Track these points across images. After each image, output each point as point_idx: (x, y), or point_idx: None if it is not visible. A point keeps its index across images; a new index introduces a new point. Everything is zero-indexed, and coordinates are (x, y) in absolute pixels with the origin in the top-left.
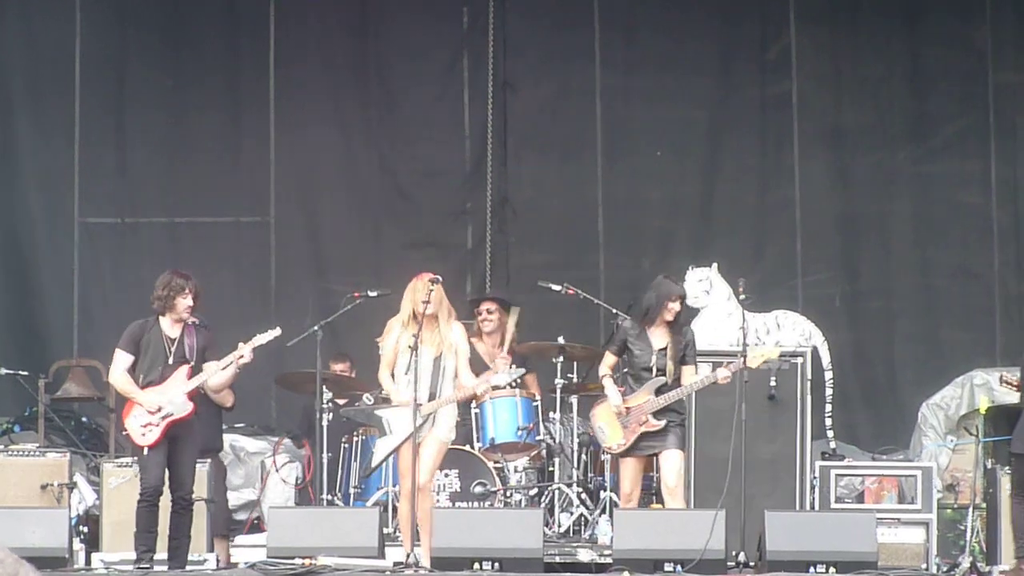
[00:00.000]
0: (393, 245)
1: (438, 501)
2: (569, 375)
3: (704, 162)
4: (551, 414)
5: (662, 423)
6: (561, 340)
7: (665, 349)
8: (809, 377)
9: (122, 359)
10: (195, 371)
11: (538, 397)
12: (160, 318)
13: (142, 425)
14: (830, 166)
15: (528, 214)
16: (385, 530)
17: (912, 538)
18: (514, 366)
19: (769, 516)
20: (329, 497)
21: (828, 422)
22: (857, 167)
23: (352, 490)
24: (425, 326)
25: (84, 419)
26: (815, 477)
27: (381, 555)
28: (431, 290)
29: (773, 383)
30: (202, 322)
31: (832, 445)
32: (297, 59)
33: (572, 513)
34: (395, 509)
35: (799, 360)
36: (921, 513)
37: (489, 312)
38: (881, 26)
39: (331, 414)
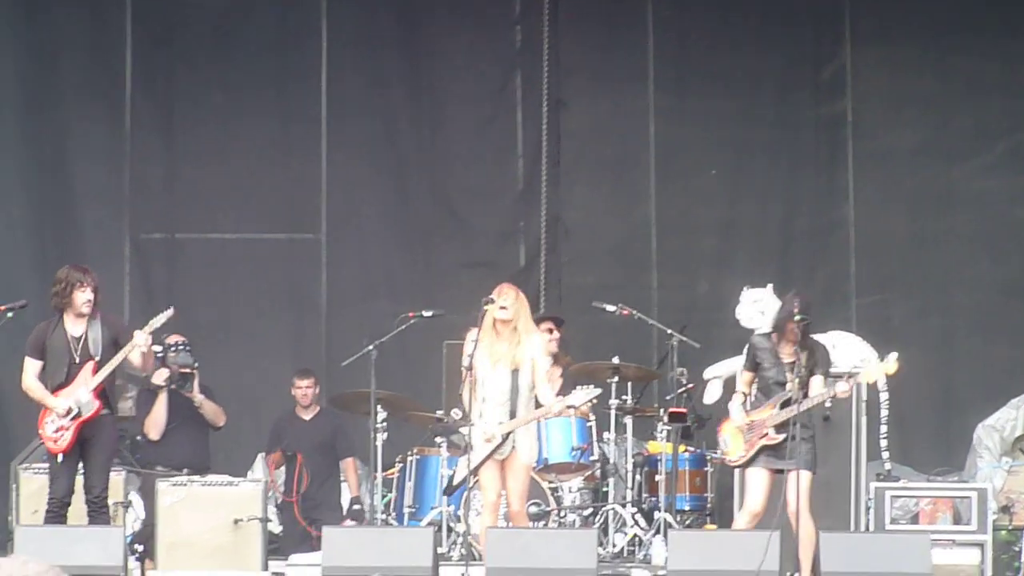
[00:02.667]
0: (445, 265)
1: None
2: (623, 396)
3: (758, 182)
4: (605, 434)
5: (781, 437)
6: (616, 360)
7: (793, 363)
8: (865, 399)
9: (30, 366)
10: (100, 366)
11: (592, 417)
12: (64, 317)
13: (54, 431)
14: (885, 184)
15: (581, 234)
16: (440, 550)
17: (967, 559)
18: (590, 386)
19: (824, 537)
20: (383, 516)
21: (883, 443)
22: (912, 185)
23: (406, 509)
24: (501, 338)
25: (139, 438)
26: (870, 498)
27: (435, 575)
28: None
29: (828, 404)
30: (106, 314)
31: (887, 466)
32: (348, 76)
33: (626, 533)
34: (449, 529)
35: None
36: (976, 534)
37: (551, 332)
38: (936, 43)
39: (385, 434)
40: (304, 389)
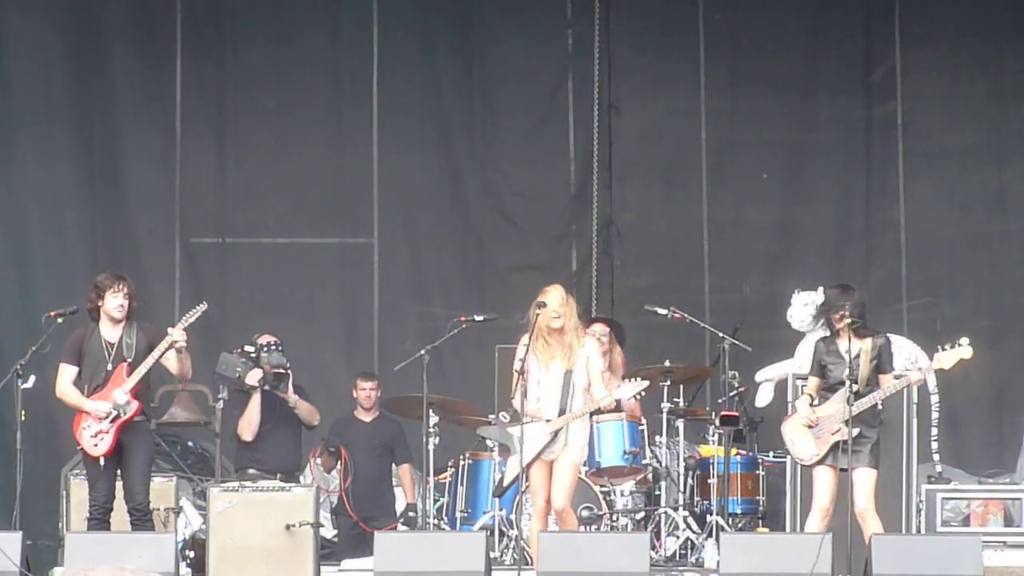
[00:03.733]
0: (497, 268)
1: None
2: (675, 399)
3: (809, 184)
4: (657, 438)
5: (856, 431)
6: (668, 363)
7: (858, 356)
8: (915, 401)
9: (66, 372)
10: (134, 368)
11: (644, 421)
12: (100, 323)
13: (93, 435)
14: (936, 186)
15: (633, 237)
16: (492, 554)
17: (1018, 561)
18: (637, 379)
19: (875, 540)
20: (436, 521)
21: (934, 445)
22: (963, 186)
23: (459, 514)
24: (553, 340)
25: (190, 443)
26: (921, 500)
27: None
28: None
29: (880, 407)
30: (142, 322)
31: (938, 468)
32: (401, 80)
33: (678, 537)
34: (501, 533)
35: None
36: None
37: (600, 334)
38: (986, 45)
39: (437, 438)
40: (368, 391)
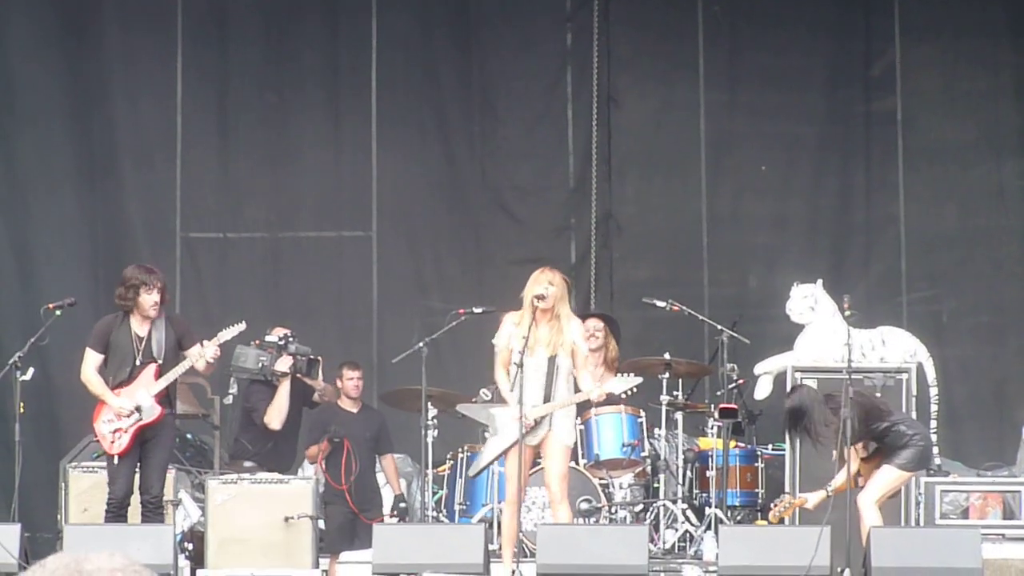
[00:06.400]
0: (496, 261)
1: (542, 517)
2: (674, 392)
3: (808, 178)
4: (656, 430)
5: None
6: (667, 356)
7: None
8: (914, 394)
9: (92, 358)
10: (163, 370)
11: (643, 413)
12: (130, 316)
13: (112, 431)
14: (935, 181)
15: (632, 229)
16: (491, 547)
17: (1017, 554)
18: (631, 374)
19: (874, 532)
20: (434, 513)
21: (933, 438)
22: (962, 182)
23: (457, 506)
24: (541, 323)
25: (189, 436)
26: (920, 493)
27: (487, 572)
28: (549, 284)
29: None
30: (171, 315)
31: (937, 461)
32: (399, 74)
33: (677, 530)
34: (499, 525)
35: (904, 376)
36: None
37: (595, 329)
38: (986, 40)
39: (436, 431)
40: (356, 380)
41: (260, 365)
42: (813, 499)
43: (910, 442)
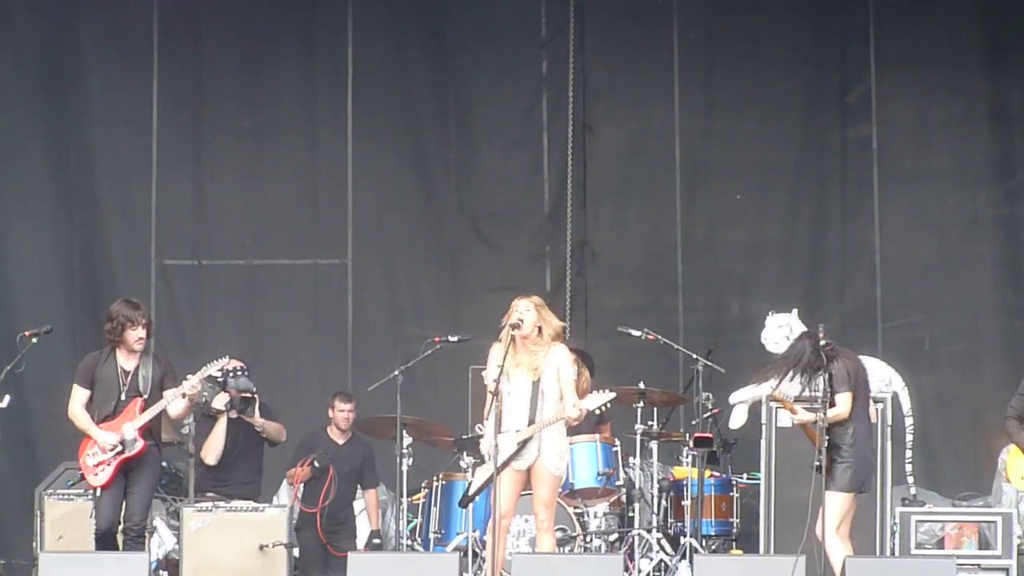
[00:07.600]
0: (472, 289)
1: (517, 546)
2: (649, 421)
3: (784, 205)
4: (631, 459)
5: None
6: (642, 385)
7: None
8: (889, 423)
9: (78, 394)
10: (148, 404)
11: (617, 442)
12: (116, 350)
13: (95, 464)
14: (910, 209)
15: (607, 257)
16: (465, 575)
17: None
18: (605, 390)
19: (850, 562)
20: (409, 542)
21: (908, 468)
22: (937, 210)
23: (432, 535)
24: (523, 349)
25: (164, 464)
26: (895, 523)
27: None
28: (526, 311)
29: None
30: (157, 352)
31: (912, 491)
32: (375, 101)
33: (652, 559)
34: (475, 554)
35: (879, 406)
36: (1001, 559)
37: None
38: (960, 69)
39: (411, 459)
40: (347, 413)
41: (203, 399)
42: (803, 416)
43: (843, 463)
